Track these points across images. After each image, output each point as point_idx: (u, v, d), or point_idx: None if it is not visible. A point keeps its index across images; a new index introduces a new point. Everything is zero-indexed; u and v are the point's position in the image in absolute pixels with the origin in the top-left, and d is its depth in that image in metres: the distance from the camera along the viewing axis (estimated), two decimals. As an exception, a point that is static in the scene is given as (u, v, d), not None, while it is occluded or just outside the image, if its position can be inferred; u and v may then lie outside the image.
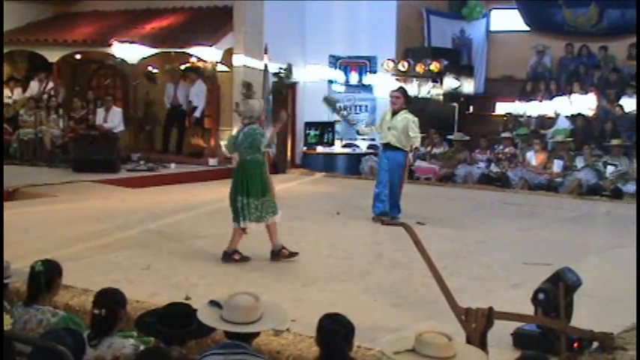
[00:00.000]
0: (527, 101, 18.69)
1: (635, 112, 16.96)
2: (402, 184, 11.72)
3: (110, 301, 4.80)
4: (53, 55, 18.83)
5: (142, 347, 4.67)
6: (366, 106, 18.94)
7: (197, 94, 18.15)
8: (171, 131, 18.86)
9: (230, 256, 8.84)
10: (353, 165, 17.83)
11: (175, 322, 4.68)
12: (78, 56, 19.51)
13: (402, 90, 11.98)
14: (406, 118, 11.36)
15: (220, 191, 12.92)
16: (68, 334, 4.30)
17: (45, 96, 18.51)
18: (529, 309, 5.98)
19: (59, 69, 19.31)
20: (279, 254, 8.92)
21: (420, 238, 6.06)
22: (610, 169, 15.26)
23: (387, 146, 11.60)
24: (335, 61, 18.82)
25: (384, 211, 11.44)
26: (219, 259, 8.87)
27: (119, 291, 4.96)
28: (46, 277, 5.19)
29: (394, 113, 11.46)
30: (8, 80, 19.12)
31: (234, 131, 9.40)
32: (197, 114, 18.27)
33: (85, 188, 14.31)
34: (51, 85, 18.90)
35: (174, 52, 18.08)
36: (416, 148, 11.84)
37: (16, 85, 19.16)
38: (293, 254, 8.97)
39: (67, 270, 5.60)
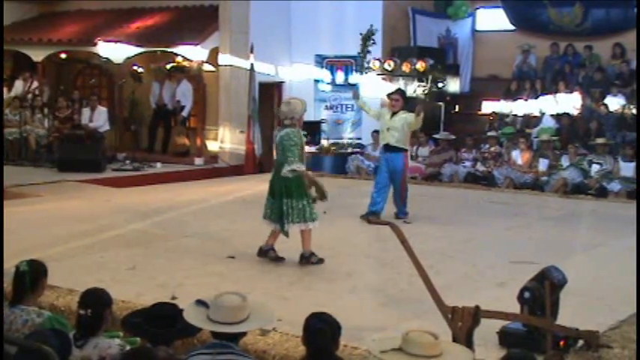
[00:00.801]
0: (513, 100, 18.74)
1: (619, 112, 17.04)
2: (405, 185, 11.81)
3: (96, 301, 4.78)
4: (38, 55, 18.78)
5: (128, 347, 4.66)
6: (352, 106, 18.92)
7: (184, 93, 18.12)
8: (157, 131, 18.83)
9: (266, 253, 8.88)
10: (339, 164, 17.82)
11: (162, 322, 4.67)
12: (63, 55, 19.44)
13: (400, 92, 12.10)
14: (404, 117, 11.46)
15: (206, 191, 12.95)
16: (54, 335, 4.29)
17: (30, 95, 18.43)
18: (515, 307, 6.00)
19: (44, 68, 19.25)
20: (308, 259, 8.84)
21: (406, 237, 6.07)
22: (595, 167, 15.32)
23: (387, 147, 11.68)
24: (321, 61, 18.82)
25: (373, 212, 11.45)
26: (205, 259, 8.86)
27: (105, 291, 4.94)
28: (31, 277, 5.17)
29: (393, 113, 11.53)
30: (-7, 79, 19.06)
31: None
32: (184, 113, 18.24)
33: (71, 188, 14.27)
34: (36, 84, 18.82)
35: (160, 51, 18.04)
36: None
37: (0, 85, 19.08)
38: (321, 260, 8.86)
39: (53, 270, 5.57)
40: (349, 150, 18.21)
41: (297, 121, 8.67)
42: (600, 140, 15.74)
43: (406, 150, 11.75)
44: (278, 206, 8.67)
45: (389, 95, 11.96)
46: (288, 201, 8.60)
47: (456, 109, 19.89)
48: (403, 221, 10.74)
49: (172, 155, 18.17)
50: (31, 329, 4.81)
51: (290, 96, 8.40)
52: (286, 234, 8.82)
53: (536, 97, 18.35)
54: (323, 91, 18.96)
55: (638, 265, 7.79)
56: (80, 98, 18.57)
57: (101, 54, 18.08)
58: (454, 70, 20.03)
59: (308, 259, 8.79)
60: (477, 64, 21.47)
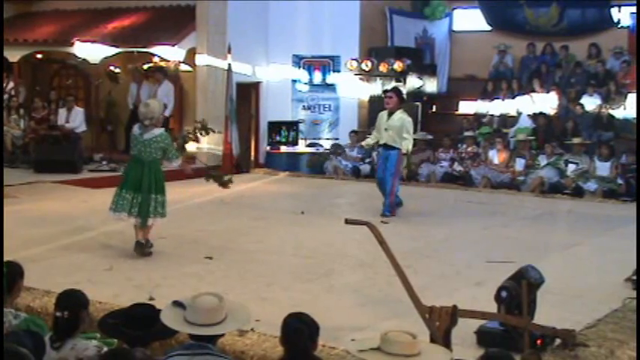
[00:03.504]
0: (490, 100, 18.81)
1: (595, 111, 17.15)
2: (394, 182, 11.88)
3: (72, 302, 4.76)
4: (14, 55, 18.62)
5: (105, 349, 4.64)
6: (330, 106, 18.95)
7: (166, 93, 18.01)
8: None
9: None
10: (316, 164, 17.81)
11: (139, 323, 4.65)
12: (39, 56, 19.31)
13: (395, 90, 12.19)
14: (402, 118, 11.64)
15: (183, 191, 12.89)
16: (28, 336, 4.26)
17: (5, 96, 18.29)
18: (492, 307, 6.03)
19: (20, 69, 19.11)
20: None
21: (383, 237, 6.08)
22: (571, 167, 15.40)
23: (384, 146, 11.85)
24: (298, 61, 18.81)
25: (397, 203, 11.94)
26: (183, 260, 8.85)
27: (81, 292, 4.92)
28: (8, 278, 5.13)
29: (390, 114, 11.65)
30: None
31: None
32: (167, 113, 18.10)
33: (47, 189, 14.18)
34: (12, 85, 18.68)
35: (137, 51, 17.94)
36: (406, 152, 11.86)
37: (-25, 86, 18.93)
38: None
39: (29, 271, 5.54)
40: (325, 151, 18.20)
41: (156, 121, 9.13)
42: (576, 140, 15.84)
43: (400, 148, 11.77)
44: (145, 200, 8.93)
45: (384, 92, 12.08)
46: (156, 196, 8.99)
47: (434, 109, 19.93)
48: (381, 221, 10.76)
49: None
50: (8, 331, 4.78)
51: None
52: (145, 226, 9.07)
53: (513, 97, 18.43)
54: (300, 91, 18.95)
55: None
56: (56, 99, 18.46)
57: (77, 54, 17.97)
58: (431, 70, 20.07)
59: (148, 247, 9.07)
60: (453, 64, 21.54)
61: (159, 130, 9.10)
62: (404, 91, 18.47)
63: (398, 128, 11.56)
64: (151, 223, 9.04)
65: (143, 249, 9.00)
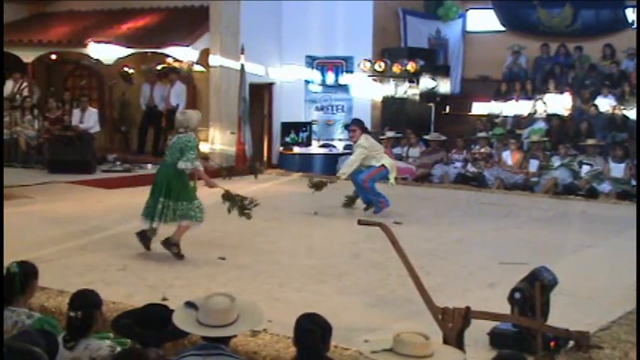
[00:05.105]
0: (504, 101, 18.77)
1: (609, 112, 17.08)
2: (366, 185, 12.10)
3: (86, 302, 4.77)
4: (28, 56, 18.71)
5: (118, 349, 4.65)
6: (342, 107, 18.95)
7: (178, 94, 18.06)
8: (148, 132, 18.78)
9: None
10: (330, 165, 17.79)
11: (152, 324, 4.65)
12: (53, 56, 19.40)
13: (356, 123, 12.53)
14: (358, 145, 12.09)
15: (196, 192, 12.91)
16: (40, 336, 4.27)
17: (19, 97, 18.38)
18: (505, 308, 6.01)
19: (34, 69, 19.19)
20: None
21: (396, 237, 6.08)
22: (585, 168, 15.35)
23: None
24: (311, 62, 18.82)
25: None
26: (196, 260, 8.86)
27: (95, 292, 4.93)
28: (22, 278, 5.15)
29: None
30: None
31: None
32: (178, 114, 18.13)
33: (61, 189, 14.23)
34: (26, 85, 18.76)
35: (151, 52, 18.01)
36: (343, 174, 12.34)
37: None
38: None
39: (43, 271, 5.55)
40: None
41: (192, 130, 9.21)
42: (591, 141, 15.78)
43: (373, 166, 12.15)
44: (165, 204, 8.96)
45: (346, 127, 12.45)
46: (178, 202, 8.98)
47: (447, 111, 19.90)
48: (393, 222, 10.74)
49: (163, 156, 18.03)
50: (21, 330, 4.79)
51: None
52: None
53: (527, 98, 18.38)
54: (313, 92, 18.97)
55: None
56: (70, 99, 18.55)
57: (91, 55, 18.05)
58: (444, 71, 20.05)
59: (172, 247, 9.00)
60: (467, 65, 21.50)
61: (186, 135, 9.07)
62: (417, 92, 18.59)
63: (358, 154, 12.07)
64: (182, 226, 8.98)
65: (168, 245, 8.99)
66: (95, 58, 18.07)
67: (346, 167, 12.08)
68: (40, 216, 11.63)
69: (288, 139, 18.41)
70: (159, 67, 18.63)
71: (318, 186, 12.63)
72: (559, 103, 17.92)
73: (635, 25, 18.84)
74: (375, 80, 18.75)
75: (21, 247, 8.99)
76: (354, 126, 12.34)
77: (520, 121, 18.16)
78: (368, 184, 12.07)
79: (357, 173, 12.08)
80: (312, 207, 12.69)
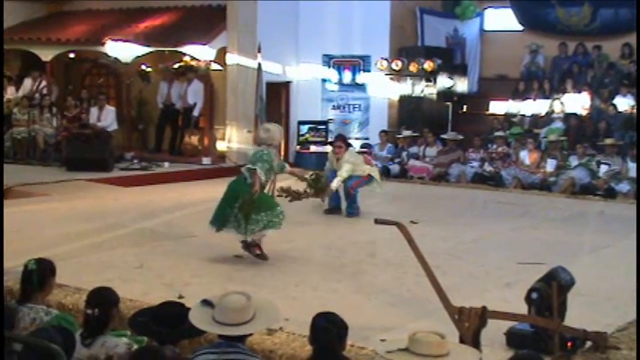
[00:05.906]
0: (522, 100, 18.70)
1: (627, 112, 16.99)
2: (352, 191, 12.22)
3: (103, 300, 4.80)
4: (47, 54, 18.79)
5: (135, 346, 4.67)
6: (359, 105, 18.95)
7: (195, 92, 18.09)
8: (165, 130, 18.82)
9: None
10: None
11: (168, 321, 4.67)
12: (71, 55, 19.47)
13: (341, 139, 12.67)
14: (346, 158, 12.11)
15: (213, 190, 12.90)
16: (57, 333, 4.29)
17: (38, 95, 18.47)
18: (522, 308, 5.99)
19: (52, 68, 19.26)
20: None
21: (413, 237, 6.07)
22: (603, 168, 15.27)
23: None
24: (328, 60, 18.83)
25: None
26: (212, 258, 8.88)
27: (112, 290, 4.95)
28: (39, 275, 5.19)
29: (338, 159, 12.19)
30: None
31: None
32: (195, 112, 18.19)
33: (78, 187, 14.29)
34: (44, 83, 18.85)
35: (168, 50, 18.04)
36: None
37: (9, 84, 19.10)
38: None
39: (60, 269, 5.58)
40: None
41: (273, 147, 9.14)
42: (609, 141, 15.70)
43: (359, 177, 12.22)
44: (237, 215, 8.75)
45: (331, 144, 12.51)
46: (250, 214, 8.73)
47: (464, 110, 19.85)
48: (410, 221, 10.73)
49: (180, 154, 18.13)
50: (39, 327, 4.82)
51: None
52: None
53: (545, 98, 18.31)
54: (330, 90, 18.97)
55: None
56: (88, 97, 18.60)
57: (109, 53, 18.09)
58: (462, 70, 20.00)
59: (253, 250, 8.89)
60: (484, 64, 21.44)
61: (265, 149, 8.96)
62: (434, 91, 18.55)
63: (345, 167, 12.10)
64: (256, 236, 8.83)
65: (248, 247, 8.86)
66: (113, 56, 18.12)
67: (336, 182, 11.99)
68: (57, 213, 11.69)
69: (302, 138, 18.41)
70: (176, 66, 18.66)
71: (292, 196, 10.98)
72: (577, 102, 17.83)
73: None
74: (392, 79, 18.74)
75: (38, 244, 9.06)
76: (340, 142, 12.42)
77: (538, 121, 18.08)
78: (354, 191, 12.15)
79: (346, 180, 12.13)
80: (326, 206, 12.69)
